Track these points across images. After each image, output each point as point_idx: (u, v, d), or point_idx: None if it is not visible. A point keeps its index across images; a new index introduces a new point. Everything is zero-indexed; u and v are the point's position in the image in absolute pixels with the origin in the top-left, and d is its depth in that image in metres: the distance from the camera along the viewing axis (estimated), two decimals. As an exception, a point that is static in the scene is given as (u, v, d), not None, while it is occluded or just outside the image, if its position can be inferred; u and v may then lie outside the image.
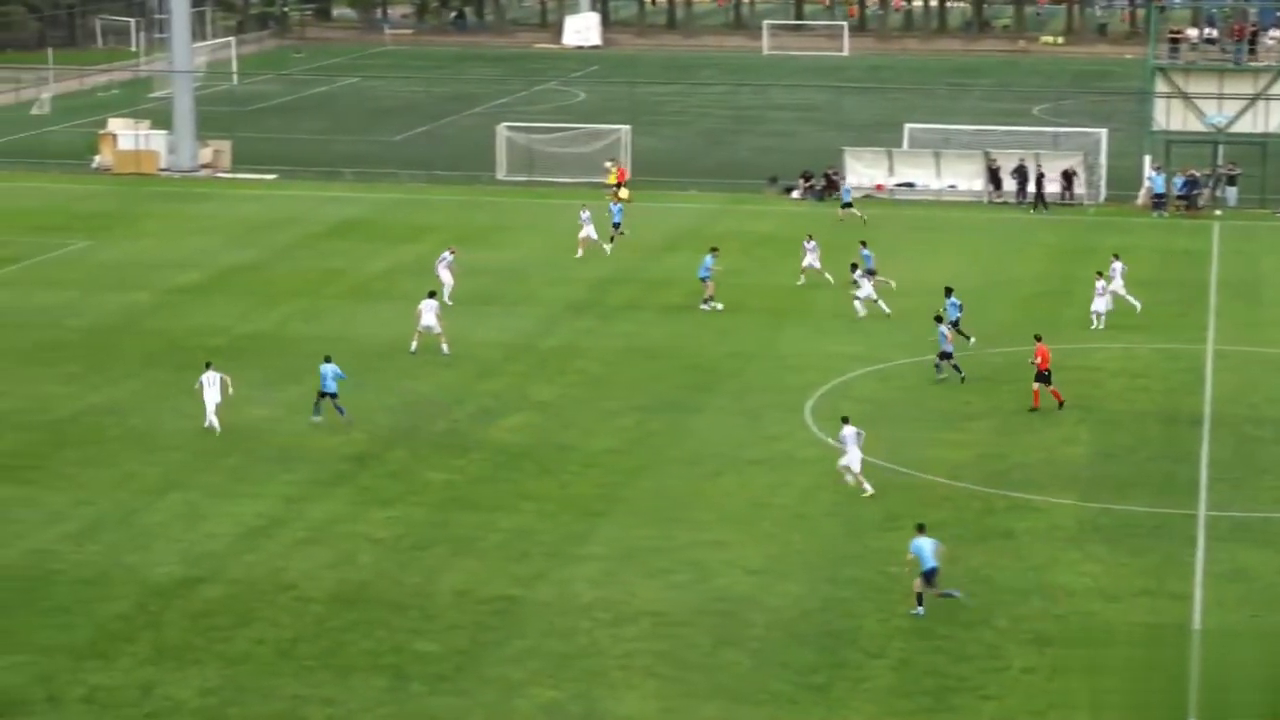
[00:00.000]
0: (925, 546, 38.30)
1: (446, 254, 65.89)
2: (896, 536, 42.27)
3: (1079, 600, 39.04)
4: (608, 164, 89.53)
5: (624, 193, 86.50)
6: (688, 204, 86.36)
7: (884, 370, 56.75)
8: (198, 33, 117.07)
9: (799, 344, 59.80)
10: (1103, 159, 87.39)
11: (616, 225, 74.57)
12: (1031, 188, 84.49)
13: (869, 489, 45.14)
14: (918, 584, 38.20)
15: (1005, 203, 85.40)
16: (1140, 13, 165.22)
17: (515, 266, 71.00)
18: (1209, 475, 46.99)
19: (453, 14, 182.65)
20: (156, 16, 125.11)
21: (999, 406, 53.02)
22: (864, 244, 68.33)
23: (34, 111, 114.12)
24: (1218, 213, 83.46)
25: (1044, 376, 52.47)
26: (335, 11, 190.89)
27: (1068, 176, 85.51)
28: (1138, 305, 62.86)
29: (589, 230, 73.13)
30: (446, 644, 36.47)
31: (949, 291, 58.62)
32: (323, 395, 50.94)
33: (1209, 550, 41.83)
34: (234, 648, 36.23)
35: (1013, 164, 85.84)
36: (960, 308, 58.34)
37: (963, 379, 54.83)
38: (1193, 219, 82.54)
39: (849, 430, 45.67)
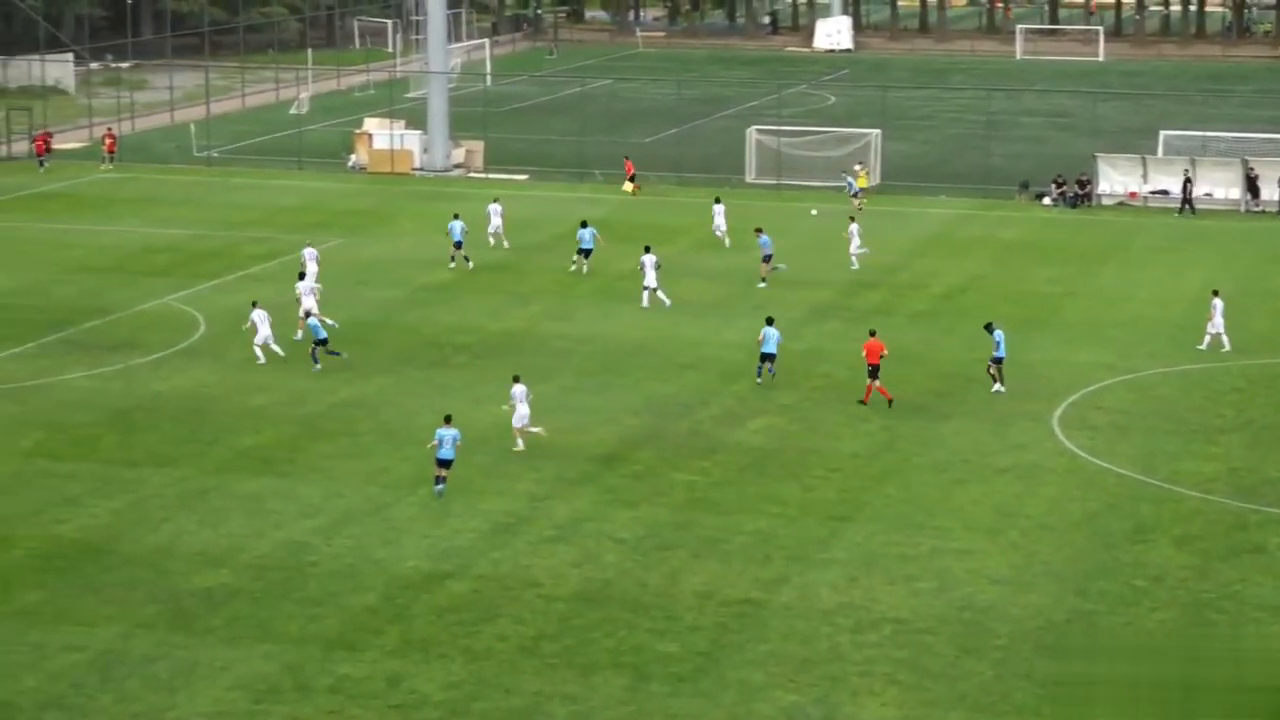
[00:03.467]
0: (446, 437, 44.73)
1: (309, 249, 67.46)
2: (1146, 549, 41.72)
3: (1334, 619, 38.19)
4: (856, 167, 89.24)
5: (627, 186, 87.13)
6: (938, 209, 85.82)
7: (1134, 380, 55.93)
8: (453, 34, 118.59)
9: (1048, 352, 59.14)
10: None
11: (458, 245, 71.29)
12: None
13: (522, 445, 48.35)
14: (437, 469, 44.99)
15: (1264, 211, 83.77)
16: None
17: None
18: None
19: (767, 17, 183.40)
20: (413, 18, 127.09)
21: (1252, 419, 52.01)
22: (759, 231, 69.71)
23: (293, 111, 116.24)
24: None
25: (873, 371, 52.70)
26: (588, 13, 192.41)
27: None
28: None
29: (497, 222, 74.59)
30: (687, 645, 36.59)
31: (759, 230, 67.77)
32: (319, 343, 56.49)
33: None
34: (478, 643, 36.66)
35: (1278, 173, 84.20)
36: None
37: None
38: None
39: (518, 388, 48.48)
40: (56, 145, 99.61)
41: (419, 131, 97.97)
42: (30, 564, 40.70)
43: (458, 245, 71.23)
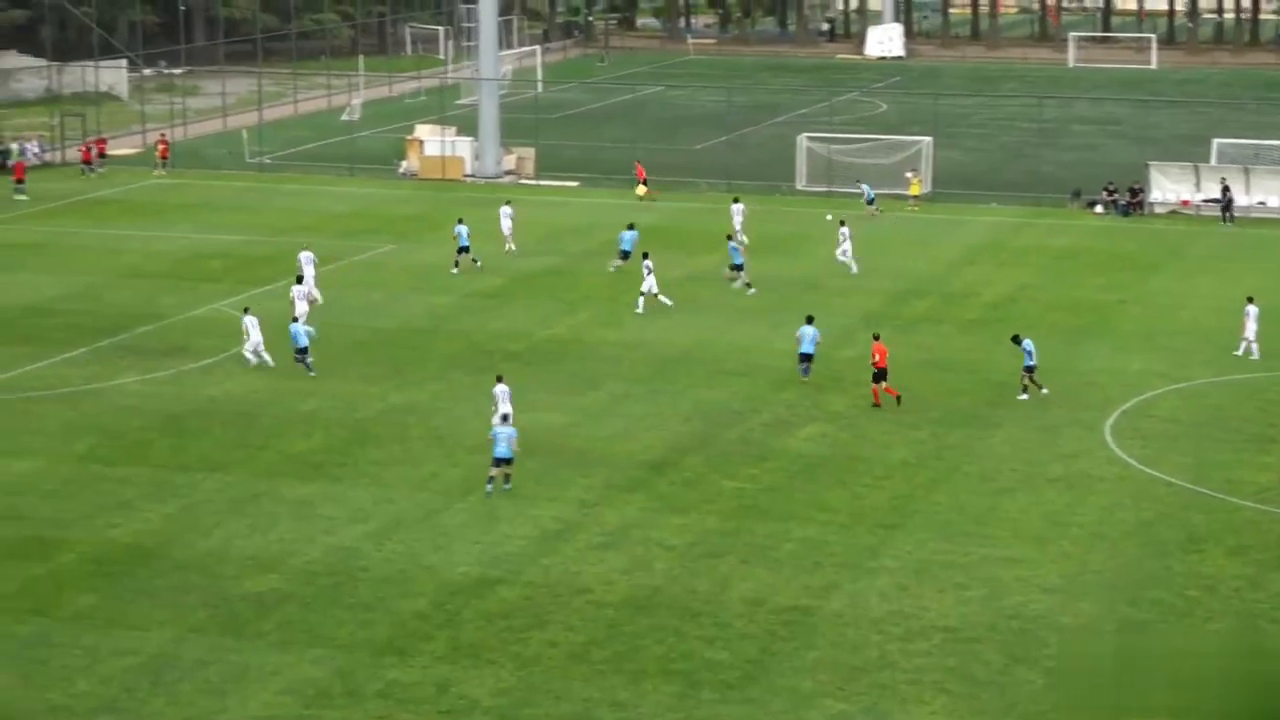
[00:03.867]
0: (500, 436, 45.51)
1: (305, 253, 67.86)
2: (1199, 559, 41.51)
3: (1387, 630, 37.95)
4: (909, 174, 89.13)
5: (640, 190, 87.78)
6: (988, 217, 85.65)
7: (1187, 389, 55.70)
8: (504, 41, 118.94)
9: (1099, 360, 58.98)
10: None
11: (465, 249, 72.01)
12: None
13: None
14: (492, 469, 45.51)
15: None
16: None
17: (811, 276, 70.97)
18: None
19: (825, 25, 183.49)
20: (465, 25, 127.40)
21: (1307, 429, 51.77)
22: (730, 238, 70.77)
23: (344, 118, 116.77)
24: None
25: (880, 374, 53.23)
26: (639, 21, 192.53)
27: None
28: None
29: (508, 225, 75.73)
30: (737, 652, 36.57)
31: (729, 237, 70.47)
32: (301, 352, 56.33)
33: None
34: (528, 649, 36.70)
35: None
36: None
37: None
38: None
39: (500, 388, 48.94)
40: (110, 151, 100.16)
41: (470, 138, 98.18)
42: (83, 568, 40.92)
43: (465, 250, 71.99)
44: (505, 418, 46.65)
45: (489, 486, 45.65)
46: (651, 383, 56.19)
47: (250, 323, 57.52)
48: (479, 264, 71.83)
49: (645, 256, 66.75)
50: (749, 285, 68.05)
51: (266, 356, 57.29)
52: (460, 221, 73.07)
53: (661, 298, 64.96)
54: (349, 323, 63.73)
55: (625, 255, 71.02)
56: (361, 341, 61.19)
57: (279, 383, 55.90)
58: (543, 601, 39.07)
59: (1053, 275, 72.38)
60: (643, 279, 65.38)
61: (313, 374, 56.29)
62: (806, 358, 56.02)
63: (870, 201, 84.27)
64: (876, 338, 54.64)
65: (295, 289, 62.25)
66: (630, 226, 72.45)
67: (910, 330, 63.05)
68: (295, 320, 58.21)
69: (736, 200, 78.89)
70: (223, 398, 54.53)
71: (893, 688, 35.04)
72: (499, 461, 45.69)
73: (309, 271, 65.83)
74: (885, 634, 37.43)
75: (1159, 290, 69.95)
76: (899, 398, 53.31)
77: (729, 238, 70.54)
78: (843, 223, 73.42)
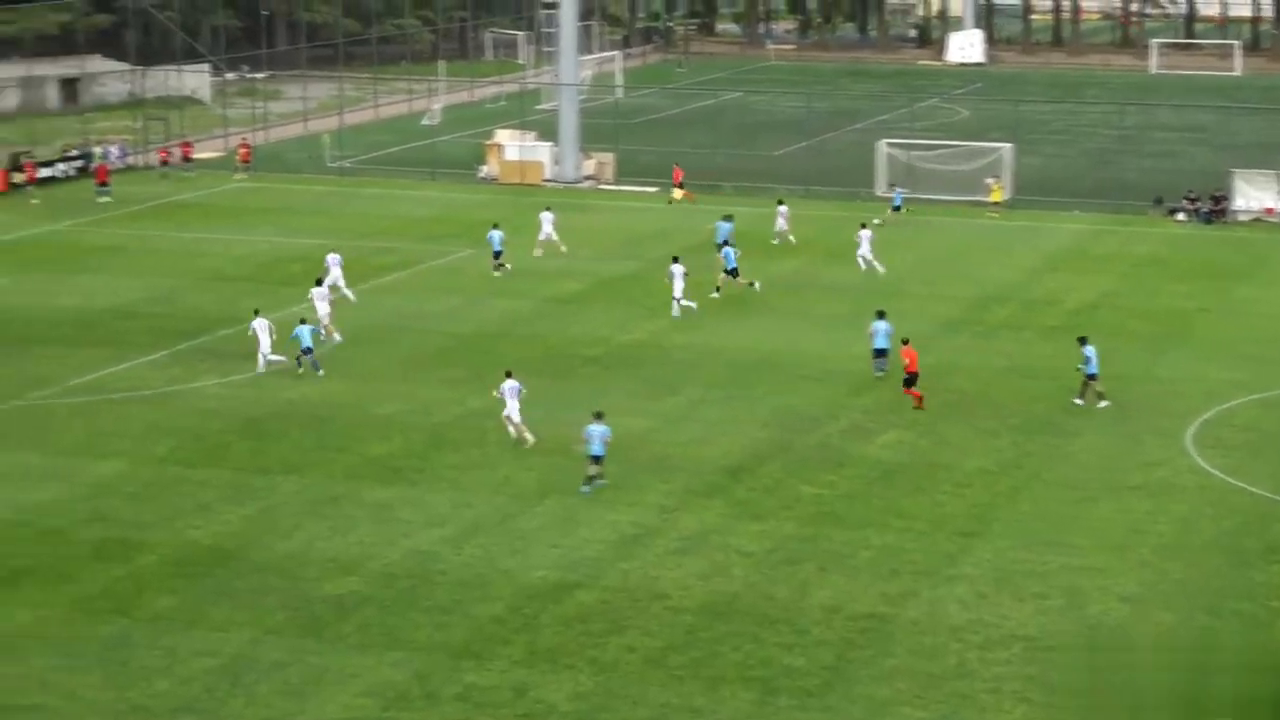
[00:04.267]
0: (595, 434, 45.72)
1: (332, 255, 68.30)
2: None
3: None
4: (989, 180, 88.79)
5: (677, 193, 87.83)
6: (1070, 224, 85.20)
7: (1270, 398, 55.27)
8: (584, 46, 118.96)
9: (1180, 368, 58.59)
10: None
11: (498, 254, 72.41)
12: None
13: (530, 439, 49.44)
14: (589, 467, 45.85)
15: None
16: None
17: (890, 282, 70.69)
18: None
19: (913, 31, 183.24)
20: (545, 30, 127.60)
21: (1391, 439, 51.29)
22: (727, 243, 70.21)
23: (425, 122, 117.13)
24: None
25: (911, 379, 53.70)
26: (719, 26, 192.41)
27: None
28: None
29: (549, 230, 76.13)
30: (814, 659, 36.48)
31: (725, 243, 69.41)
32: (305, 352, 56.66)
33: None
34: (605, 654, 36.71)
35: None
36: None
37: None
38: None
39: (509, 384, 49.62)
40: (192, 155, 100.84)
41: (550, 143, 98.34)
42: (164, 570, 41.18)
43: (497, 254, 72.12)
44: (599, 415, 46.37)
45: (586, 488, 46.05)
46: (730, 388, 56.14)
47: (259, 326, 57.60)
48: (505, 268, 72.17)
49: (675, 260, 66.35)
50: (752, 283, 68.08)
51: (275, 358, 57.38)
52: (495, 226, 73.33)
53: (680, 303, 64.96)
54: (427, 327, 63.93)
55: (720, 247, 70.88)
56: (440, 346, 61.35)
57: (357, 386, 56.13)
58: (620, 606, 39.08)
59: (1134, 283, 71.98)
60: (673, 282, 65.12)
61: (321, 373, 56.77)
62: (880, 353, 56.17)
63: (897, 208, 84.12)
64: (905, 342, 54.66)
65: (314, 290, 62.24)
66: (728, 218, 73.12)
67: (991, 336, 62.81)
68: (303, 321, 57.97)
69: (781, 203, 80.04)
70: (301, 401, 54.78)
71: (972, 696, 34.89)
72: (595, 459, 46.06)
73: (335, 273, 66.11)
74: (964, 642, 37.27)
75: (1241, 299, 69.44)
76: (920, 405, 53.51)
77: (725, 244, 69.74)
78: (864, 225, 73.25)
